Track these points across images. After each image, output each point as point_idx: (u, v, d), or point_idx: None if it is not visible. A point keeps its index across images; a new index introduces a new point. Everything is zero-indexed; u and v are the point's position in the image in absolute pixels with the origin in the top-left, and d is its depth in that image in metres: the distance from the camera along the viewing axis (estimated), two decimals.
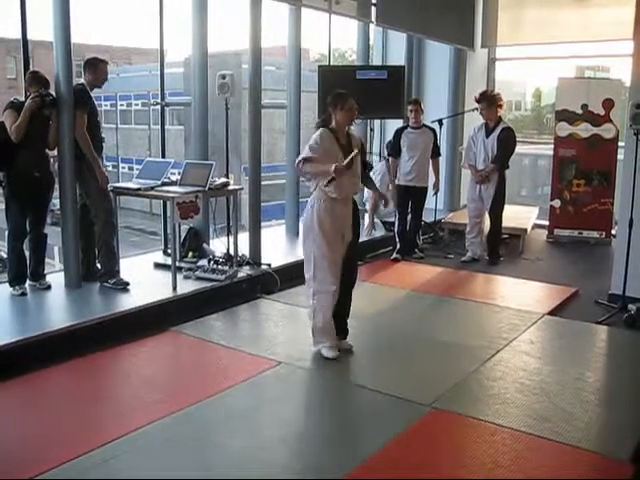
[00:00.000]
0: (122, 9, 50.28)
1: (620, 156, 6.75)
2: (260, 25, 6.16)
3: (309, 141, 4.36)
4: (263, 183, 6.52)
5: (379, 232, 7.91)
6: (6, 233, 5.11)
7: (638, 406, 4.01)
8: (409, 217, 7.38)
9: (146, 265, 6.13)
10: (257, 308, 5.62)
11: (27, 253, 5.19)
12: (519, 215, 8.35)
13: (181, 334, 4.91)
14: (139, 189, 5.62)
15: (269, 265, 6.16)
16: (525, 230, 7.93)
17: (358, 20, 8.10)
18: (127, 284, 5.34)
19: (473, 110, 7.34)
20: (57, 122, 5.05)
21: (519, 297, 6.01)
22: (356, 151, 4.27)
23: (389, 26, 8.32)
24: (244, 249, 6.23)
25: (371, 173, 6.39)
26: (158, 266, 6.06)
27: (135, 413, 3.69)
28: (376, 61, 9.24)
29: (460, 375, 4.27)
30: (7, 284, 5.09)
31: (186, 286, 5.49)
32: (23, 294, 5.04)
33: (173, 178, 5.87)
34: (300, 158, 4.34)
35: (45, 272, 5.32)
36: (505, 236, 7.74)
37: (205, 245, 6.27)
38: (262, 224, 6.53)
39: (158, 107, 6.70)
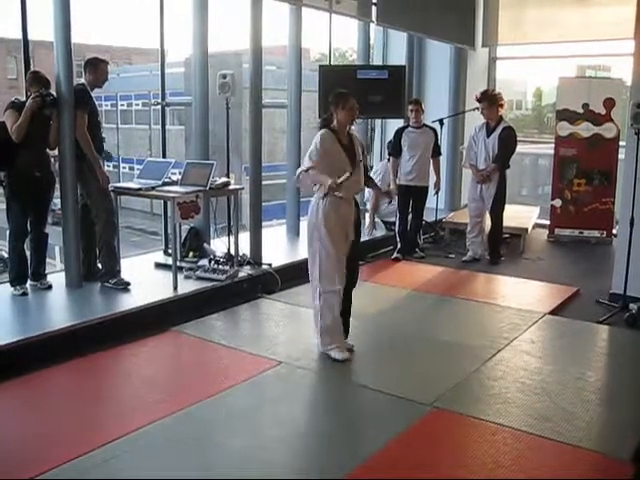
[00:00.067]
0: (122, 9, 50.30)
1: (621, 155, 6.74)
2: (261, 25, 6.16)
3: (310, 146, 4.34)
4: (264, 183, 6.51)
5: (380, 232, 7.91)
6: (7, 233, 5.11)
7: (639, 406, 4.01)
8: (410, 217, 7.38)
9: (147, 265, 6.13)
10: (258, 308, 5.62)
11: (28, 253, 5.20)
12: (520, 215, 8.34)
13: (182, 334, 4.92)
14: (140, 189, 5.62)
15: (270, 265, 6.16)
16: (526, 230, 7.92)
17: (359, 20, 8.10)
18: (128, 284, 5.35)
19: (474, 109, 7.34)
20: (58, 122, 5.05)
21: (520, 297, 6.00)
22: (347, 174, 4.22)
23: (390, 25, 8.31)
24: (245, 249, 6.23)
25: (371, 173, 6.40)
26: (159, 266, 6.06)
27: (136, 413, 3.69)
28: (377, 61, 9.23)
29: (461, 375, 4.27)
30: (8, 284, 5.09)
31: (187, 286, 5.49)
32: (24, 294, 5.04)
33: (174, 178, 5.87)
34: (300, 170, 4.34)
35: (46, 272, 5.33)
36: (506, 236, 7.74)
37: (206, 245, 6.27)
38: (263, 224, 6.53)
39: (159, 107, 6.71)
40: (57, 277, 5.41)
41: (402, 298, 5.99)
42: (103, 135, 5.56)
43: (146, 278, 5.69)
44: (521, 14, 9.26)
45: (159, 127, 7.46)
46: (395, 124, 7.99)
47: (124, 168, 24.54)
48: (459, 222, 7.98)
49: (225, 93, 6.19)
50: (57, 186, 5.29)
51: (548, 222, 8.49)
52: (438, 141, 7.40)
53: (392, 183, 7.31)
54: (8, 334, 4.32)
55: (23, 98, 5.03)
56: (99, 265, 5.51)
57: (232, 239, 6.12)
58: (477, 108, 7.12)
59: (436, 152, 7.39)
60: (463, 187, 8.97)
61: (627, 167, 5.62)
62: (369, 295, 5.77)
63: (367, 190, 7.45)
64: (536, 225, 8.55)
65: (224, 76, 6.18)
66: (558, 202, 8.30)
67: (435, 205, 7.76)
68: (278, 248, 6.94)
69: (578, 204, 8.20)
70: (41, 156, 5.12)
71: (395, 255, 7.29)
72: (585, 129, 8.10)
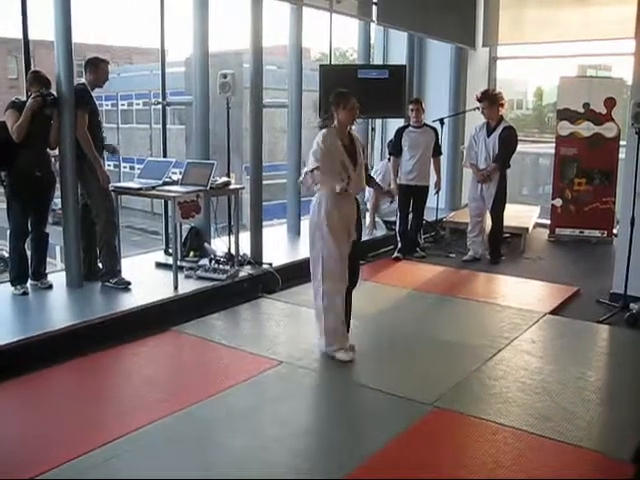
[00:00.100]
0: (123, 9, 50.32)
1: (622, 155, 6.74)
2: (261, 24, 6.16)
3: (312, 147, 4.32)
4: (264, 182, 6.52)
5: (380, 231, 7.92)
6: (8, 232, 5.12)
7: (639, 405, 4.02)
8: (410, 216, 7.38)
9: (147, 265, 6.13)
10: (258, 307, 5.62)
11: (29, 252, 5.20)
12: (520, 214, 8.34)
13: (182, 333, 4.92)
14: (140, 189, 5.62)
15: (270, 264, 6.16)
16: (526, 229, 7.92)
17: (359, 19, 8.10)
18: (128, 284, 5.35)
19: (474, 109, 7.33)
20: (58, 122, 5.05)
21: (520, 296, 6.00)
22: (362, 159, 4.36)
23: (390, 25, 8.31)
24: (245, 248, 6.23)
25: (372, 172, 6.40)
26: (159, 265, 6.07)
27: (136, 412, 3.69)
28: (377, 60, 9.23)
29: (462, 374, 4.27)
30: (9, 283, 5.10)
31: (187, 285, 5.50)
32: (25, 293, 5.04)
33: (174, 177, 5.87)
34: (306, 170, 4.30)
35: (46, 271, 5.33)
36: (506, 235, 7.74)
37: (206, 244, 6.27)
38: (263, 223, 6.53)
39: (159, 106, 6.72)
40: (58, 277, 5.41)
41: (403, 298, 5.99)
42: (104, 135, 5.57)
43: (147, 278, 5.69)
44: (521, 14, 9.26)
45: (160, 127, 7.46)
46: (396, 124, 7.99)
47: (125, 168, 24.56)
48: (460, 222, 7.98)
49: (226, 93, 6.18)
50: (57, 186, 5.29)
51: (549, 222, 8.49)
52: (439, 141, 7.40)
53: (393, 183, 7.31)
54: (9, 334, 4.32)
55: (24, 98, 5.03)
56: (100, 265, 5.51)
57: (233, 239, 6.12)
58: (477, 108, 7.12)
59: (437, 152, 7.39)
60: (464, 186, 8.96)
61: (628, 167, 5.62)
62: (369, 295, 5.77)
63: (367, 189, 7.45)
64: (537, 225, 8.55)
65: (225, 76, 6.18)
66: (559, 202, 8.30)
67: (436, 204, 7.76)
68: (279, 248, 6.94)
69: (579, 204, 8.20)
70: (42, 156, 5.13)
71: (396, 254, 7.29)
72: (586, 128, 8.10)
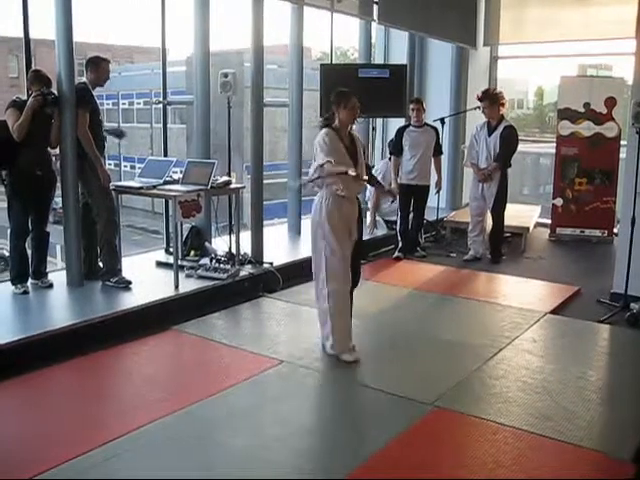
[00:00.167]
0: (124, 8, 50.28)
1: (622, 155, 6.74)
2: (262, 23, 6.15)
3: (318, 144, 4.29)
4: (265, 181, 6.52)
5: (381, 231, 7.92)
6: (8, 231, 5.12)
7: None
8: (411, 216, 7.38)
9: (148, 264, 6.13)
10: (259, 307, 5.62)
11: (29, 251, 5.20)
12: (521, 214, 8.34)
13: (183, 333, 4.92)
14: (141, 188, 5.62)
15: (271, 264, 6.16)
16: (527, 229, 7.92)
17: (360, 18, 8.10)
18: (129, 283, 5.35)
19: (475, 108, 7.33)
20: (59, 121, 5.05)
21: (521, 296, 6.00)
22: (363, 159, 4.38)
23: (391, 24, 8.31)
24: (246, 248, 6.23)
25: (372, 172, 6.39)
26: (160, 265, 6.07)
27: (137, 412, 3.69)
28: (378, 59, 9.23)
29: (462, 374, 4.27)
30: (9, 282, 5.10)
31: (188, 285, 5.50)
32: (25, 292, 5.04)
33: (175, 177, 5.87)
34: (318, 164, 4.24)
35: (47, 270, 5.33)
36: (507, 235, 7.74)
37: (207, 244, 6.28)
38: (264, 222, 6.53)
39: (160, 106, 6.72)
40: (58, 276, 5.41)
41: (403, 297, 5.99)
42: (104, 134, 5.56)
43: (147, 277, 5.70)
44: (522, 13, 9.26)
45: (160, 126, 7.46)
46: (396, 123, 7.99)
47: (125, 167, 24.57)
48: (460, 221, 7.98)
49: (227, 92, 6.18)
50: (58, 185, 5.29)
51: (549, 221, 8.49)
52: (439, 140, 7.39)
53: (393, 182, 7.31)
54: (9, 333, 4.32)
55: (24, 97, 5.03)
56: (100, 264, 5.50)
57: (233, 238, 6.12)
58: (478, 107, 7.13)
59: (437, 151, 7.39)
60: (464, 186, 8.96)
61: (628, 166, 5.62)
62: (370, 294, 5.77)
63: (368, 189, 7.46)
64: (537, 224, 8.55)
65: (225, 75, 6.18)
66: (559, 201, 8.30)
67: (436, 204, 7.76)
68: (279, 247, 6.94)
69: (579, 203, 8.20)
70: (42, 155, 5.13)
71: (396, 254, 7.29)
72: (586, 128, 8.09)
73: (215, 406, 3.80)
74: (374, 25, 8.46)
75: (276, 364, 4.35)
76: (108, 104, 25.43)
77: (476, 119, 7.60)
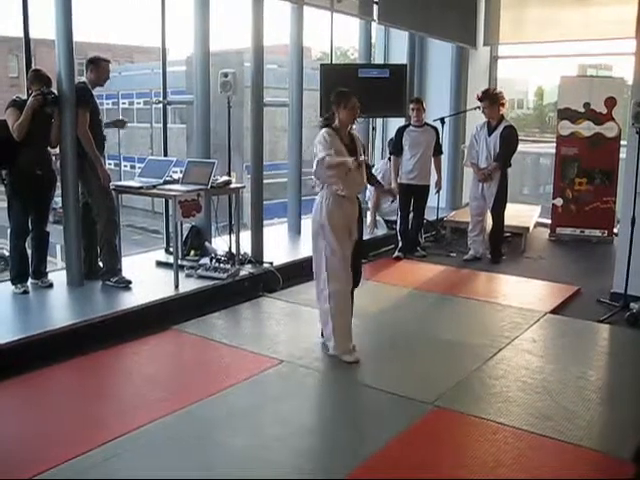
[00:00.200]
0: (124, 7, 50.29)
1: (622, 155, 6.74)
2: (262, 23, 6.15)
3: (318, 142, 4.30)
4: (265, 181, 6.52)
5: (381, 230, 7.92)
6: (8, 231, 5.12)
7: None
8: (411, 215, 7.38)
9: (148, 263, 6.13)
10: (259, 306, 5.62)
11: (29, 251, 5.20)
12: (521, 213, 8.34)
13: (183, 332, 4.92)
14: (141, 187, 5.62)
15: (271, 263, 6.16)
16: (527, 228, 7.92)
17: (360, 18, 8.10)
18: (129, 282, 5.35)
19: (475, 108, 7.33)
20: (59, 120, 5.05)
21: (521, 295, 6.00)
22: (363, 157, 4.37)
23: (391, 24, 8.31)
24: (246, 247, 6.23)
25: (372, 171, 6.39)
26: (160, 264, 6.07)
27: (137, 411, 3.69)
28: (378, 59, 9.23)
29: (462, 373, 4.27)
30: (9, 282, 5.10)
31: (188, 284, 5.50)
32: (25, 292, 5.04)
33: (175, 176, 5.87)
34: (318, 159, 4.25)
35: (47, 270, 5.33)
36: (507, 234, 7.74)
37: (207, 243, 6.28)
38: (264, 222, 6.53)
39: (160, 105, 6.72)
40: (58, 275, 5.41)
41: (403, 297, 5.99)
42: (104, 133, 5.56)
43: (147, 276, 5.69)
44: (522, 13, 9.26)
45: (160, 125, 7.46)
46: (396, 123, 7.99)
47: (125, 166, 24.56)
48: (460, 221, 7.98)
49: (227, 92, 6.18)
50: (58, 184, 5.29)
51: (549, 221, 8.49)
52: (439, 140, 7.40)
53: (393, 182, 7.31)
54: (9, 332, 4.32)
55: (24, 96, 5.03)
56: (100, 263, 5.50)
57: (233, 238, 6.12)
58: (478, 107, 7.13)
59: (437, 151, 7.39)
60: (464, 186, 8.97)
61: (628, 166, 5.62)
62: (370, 294, 5.77)
63: (368, 189, 7.46)
64: (537, 224, 8.55)
65: (226, 75, 6.18)
66: (559, 201, 8.30)
67: (436, 204, 7.76)
68: (279, 247, 6.94)
69: (579, 203, 8.20)
70: (42, 154, 5.13)
71: (396, 254, 7.29)
72: (586, 128, 8.10)
73: (215, 406, 3.80)
74: (374, 25, 8.46)
75: (276, 364, 4.35)
76: (108, 104, 25.41)
77: (476, 119, 7.60)
